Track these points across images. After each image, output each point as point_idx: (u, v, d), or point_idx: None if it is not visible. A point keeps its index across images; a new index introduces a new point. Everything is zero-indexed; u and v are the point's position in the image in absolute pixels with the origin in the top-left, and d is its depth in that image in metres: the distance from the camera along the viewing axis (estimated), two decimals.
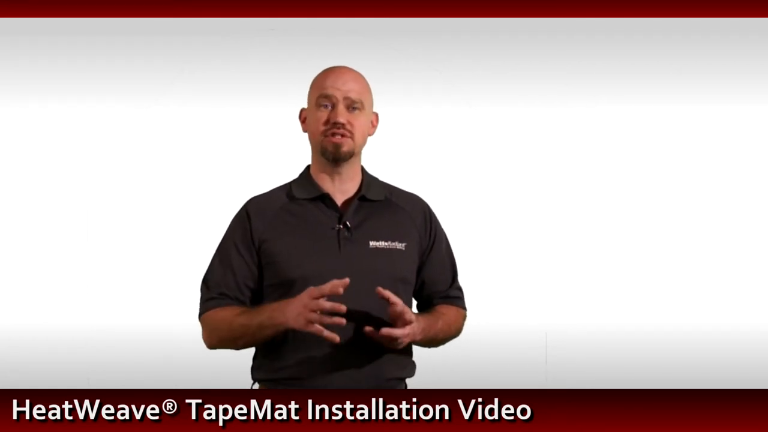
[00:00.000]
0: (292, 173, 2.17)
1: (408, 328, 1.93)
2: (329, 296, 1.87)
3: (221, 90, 3.27)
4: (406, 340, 1.96)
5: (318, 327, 1.86)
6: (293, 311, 1.90)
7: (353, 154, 2.08)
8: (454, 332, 2.17)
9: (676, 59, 3.34)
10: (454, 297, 2.20)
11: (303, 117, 2.15)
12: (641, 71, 3.34)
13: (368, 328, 1.93)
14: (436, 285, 2.17)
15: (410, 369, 2.11)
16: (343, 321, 1.86)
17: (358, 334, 1.95)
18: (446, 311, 2.15)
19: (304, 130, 2.15)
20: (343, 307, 1.86)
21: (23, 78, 3.23)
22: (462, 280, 2.24)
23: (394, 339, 1.93)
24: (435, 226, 2.18)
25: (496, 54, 3.33)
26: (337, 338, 1.87)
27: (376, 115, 2.15)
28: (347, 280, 1.87)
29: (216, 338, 2.07)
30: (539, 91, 3.34)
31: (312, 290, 1.87)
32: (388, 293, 1.91)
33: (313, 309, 1.86)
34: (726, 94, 3.34)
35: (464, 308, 2.22)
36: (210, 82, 3.27)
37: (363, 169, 2.15)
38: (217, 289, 2.08)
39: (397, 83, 3.17)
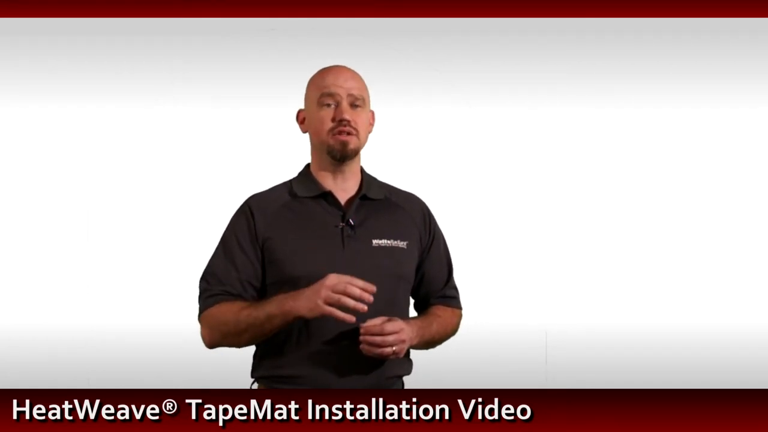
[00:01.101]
0: (291, 173, 2.17)
1: (397, 347, 1.93)
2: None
3: (221, 90, 3.27)
4: (400, 353, 1.96)
5: (334, 309, 1.85)
6: (308, 296, 1.88)
7: (358, 152, 2.09)
8: (450, 333, 2.19)
9: (676, 59, 3.34)
10: (450, 297, 2.21)
11: (302, 118, 2.15)
12: (641, 71, 3.34)
13: (363, 346, 1.93)
14: (433, 283, 2.18)
15: (408, 366, 2.12)
16: (365, 307, 1.85)
17: (359, 333, 1.95)
18: (441, 313, 2.16)
19: (304, 131, 2.15)
20: (374, 288, 1.85)
21: (23, 78, 3.23)
22: (462, 279, 2.24)
23: (384, 357, 1.94)
24: (433, 225, 2.19)
25: (496, 54, 3.33)
26: (353, 318, 1.86)
27: (372, 112, 2.15)
28: (374, 287, 1.86)
29: (219, 334, 2.02)
30: (539, 91, 3.34)
31: (333, 277, 1.86)
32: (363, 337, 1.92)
33: (338, 291, 1.84)
34: (726, 95, 3.34)
35: (459, 308, 2.24)
36: (210, 82, 3.27)
37: (362, 168, 2.16)
38: (219, 286, 2.03)
39: (397, 83, 3.17)
